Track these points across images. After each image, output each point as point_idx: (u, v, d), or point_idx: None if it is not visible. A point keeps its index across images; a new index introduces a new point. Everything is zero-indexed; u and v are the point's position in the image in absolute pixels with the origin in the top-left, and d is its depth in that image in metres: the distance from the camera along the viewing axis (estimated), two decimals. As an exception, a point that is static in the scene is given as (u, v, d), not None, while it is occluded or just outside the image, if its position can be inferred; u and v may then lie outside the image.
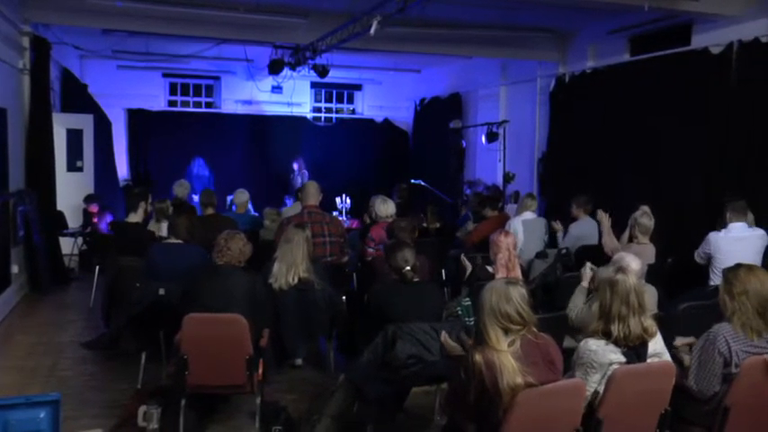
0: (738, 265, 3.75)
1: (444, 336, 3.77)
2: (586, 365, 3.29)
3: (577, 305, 4.44)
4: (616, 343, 3.29)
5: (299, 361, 5.72)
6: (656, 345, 3.44)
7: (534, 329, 3.12)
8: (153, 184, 11.32)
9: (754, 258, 5.66)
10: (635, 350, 3.32)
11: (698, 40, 8.20)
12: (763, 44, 7.25)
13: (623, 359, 3.27)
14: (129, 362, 5.52)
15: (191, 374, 4.22)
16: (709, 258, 5.98)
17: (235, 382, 4.32)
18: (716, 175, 7.69)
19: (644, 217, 5.93)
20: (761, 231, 6.05)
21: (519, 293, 3.09)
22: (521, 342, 3.04)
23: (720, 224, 6.09)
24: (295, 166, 12.81)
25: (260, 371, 4.40)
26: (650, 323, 3.36)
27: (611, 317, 3.32)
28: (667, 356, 3.49)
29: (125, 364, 5.63)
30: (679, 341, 4.08)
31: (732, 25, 7.67)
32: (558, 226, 7.45)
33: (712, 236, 5.99)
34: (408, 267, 4.60)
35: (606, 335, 3.32)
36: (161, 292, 5.14)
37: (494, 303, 3.06)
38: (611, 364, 3.26)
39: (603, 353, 3.27)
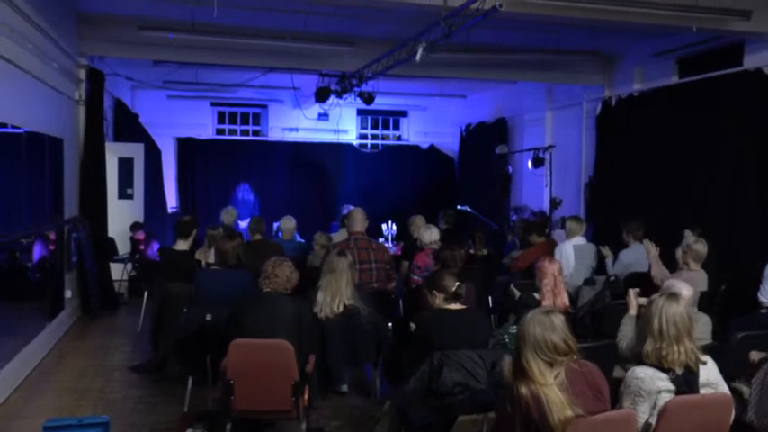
0: None
1: (508, 362, 3.70)
2: (634, 394, 3.20)
3: (627, 334, 4.33)
4: (660, 366, 3.21)
5: (344, 387, 5.69)
6: (710, 374, 3.33)
7: (576, 357, 3.02)
8: (200, 212, 11.50)
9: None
10: (684, 378, 3.22)
11: (750, 61, 8.01)
12: (819, 64, 7.06)
13: (672, 387, 3.18)
14: (176, 385, 5.58)
15: (237, 399, 4.24)
16: None
17: (280, 407, 4.31)
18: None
19: (698, 243, 5.77)
20: None
21: (561, 321, 3.01)
22: (565, 372, 2.95)
23: None
24: (345, 211, 12.89)
25: (305, 397, 4.39)
26: (689, 348, 3.26)
27: (642, 336, 3.33)
28: (724, 387, 3.36)
29: (172, 387, 5.70)
30: (755, 355, 3.93)
31: (787, 45, 7.49)
32: (606, 251, 7.31)
33: None
34: (457, 283, 4.62)
35: (638, 356, 3.31)
36: (208, 317, 5.18)
37: (538, 335, 2.94)
38: (659, 392, 3.16)
39: (651, 380, 3.19)
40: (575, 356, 3.01)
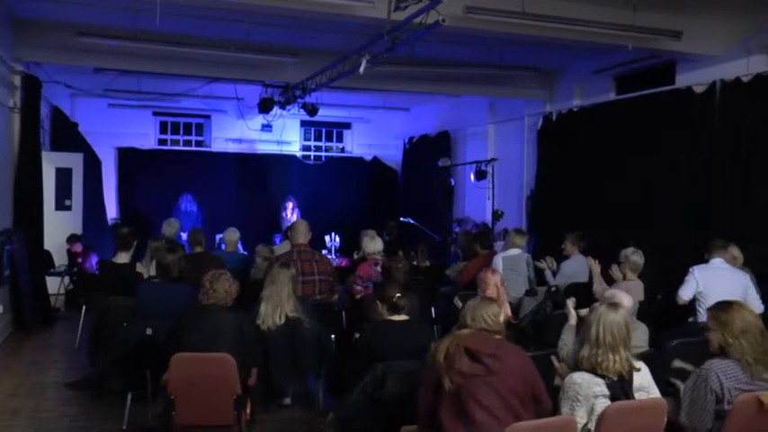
0: (723, 303, 3.76)
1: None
2: (572, 399, 3.29)
3: (567, 343, 4.41)
4: (594, 372, 3.31)
5: (287, 400, 5.65)
6: (643, 379, 3.45)
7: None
8: (141, 223, 11.27)
9: (740, 295, 5.63)
10: (619, 383, 3.32)
11: (682, 80, 8.36)
12: (743, 83, 7.40)
13: (607, 392, 3.27)
14: (115, 402, 5.41)
15: (178, 414, 4.16)
16: (694, 292, 5.96)
17: (222, 421, 4.26)
18: (702, 211, 7.75)
19: (635, 255, 5.95)
20: (741, 273, 6.04)
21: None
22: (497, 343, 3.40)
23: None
24: (288, 205, 12.81)
25: (248, 410, 4.35)
26: (623, 356, 3.36)
27: (581, 344, 3.44)
28: (656, 392, 3.49)
29: (110, 404, 5.52)
30: (678, 363, 4.06)
31: (714, 65, 7.84)
32: (543, 264, 7.38)
33: (696, 268, 6.00)
34: (399, 294, 4.66)
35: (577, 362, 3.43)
36: (148, 331, 5.08)
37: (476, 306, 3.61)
38: (596, 396, 3.26)
39: (588, 385, 3.28)
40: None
